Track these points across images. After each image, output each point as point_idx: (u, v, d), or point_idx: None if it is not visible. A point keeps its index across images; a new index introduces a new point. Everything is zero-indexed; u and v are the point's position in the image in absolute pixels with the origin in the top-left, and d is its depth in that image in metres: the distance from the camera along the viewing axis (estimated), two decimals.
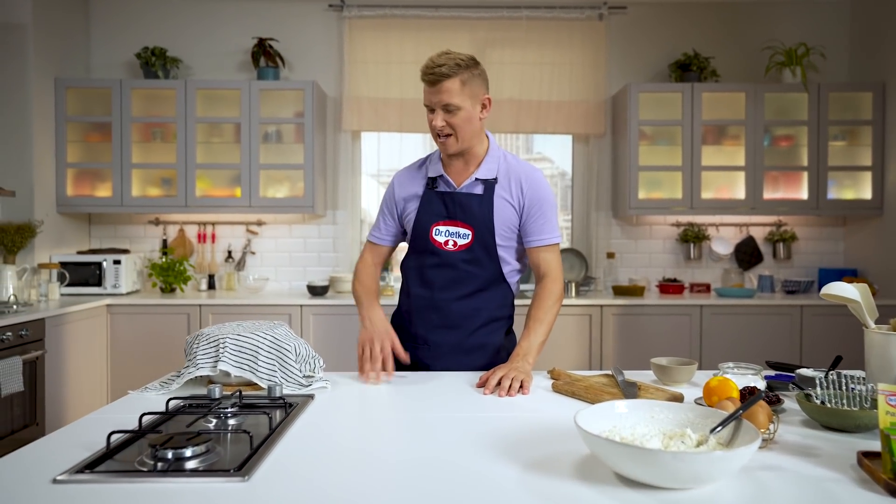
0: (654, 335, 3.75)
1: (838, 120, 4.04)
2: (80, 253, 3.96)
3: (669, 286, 4.03)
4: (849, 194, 4.12)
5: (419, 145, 4.40)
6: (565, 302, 3.73)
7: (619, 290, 3.96)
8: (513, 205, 1.74)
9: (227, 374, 1.47)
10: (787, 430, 1.21)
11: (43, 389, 3.15)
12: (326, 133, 4.28)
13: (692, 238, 4.25)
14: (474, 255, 1.74)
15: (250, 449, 1.05)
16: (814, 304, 3.75)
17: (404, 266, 1.84)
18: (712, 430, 1.01)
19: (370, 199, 4.50)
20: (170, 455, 0.99)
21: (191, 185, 3.94)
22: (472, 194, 1.74)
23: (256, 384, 1.48)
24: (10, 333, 2.89)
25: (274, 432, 1.15)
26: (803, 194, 4.04)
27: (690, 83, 4.00)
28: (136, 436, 1.11)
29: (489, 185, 1.74)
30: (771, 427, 1.12)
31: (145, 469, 0.98)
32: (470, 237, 1.73)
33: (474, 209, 1.72)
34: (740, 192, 4.05)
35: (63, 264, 3.80)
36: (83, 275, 3.83)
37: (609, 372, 1.66)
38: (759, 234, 4.34)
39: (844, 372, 1.37)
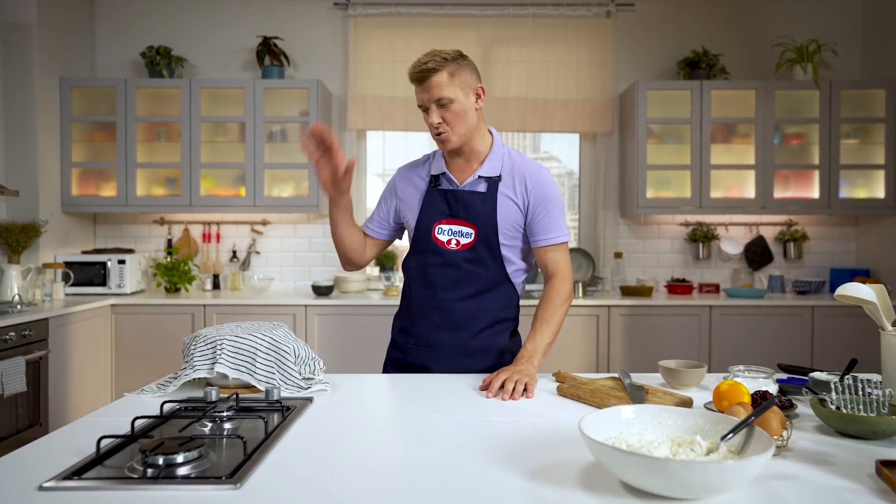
0: (662, 336, 3.70)
1: (850, 117, 3.97)
2: (84, 253, 3.96)
3: (678, 286, 3.98)
4: (861, 193, 4.06)
5: (425, 144, 4.36)
6: (572, 302, 3.68)
7: (626, 291, 3.91)
8: (517, 203, 1.70)
9: (225, 376, 1.44)
10: (801, 436, 1.17)
11: (46, 390, 3.14)
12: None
13: (701, 238, 4.19)
14: (477, 255, 1.70)
15: (244, 455, 1.02)
16: (825, 304, 3.69)
17: (406, 266, 1.80)
18: (723, 438, 0.97)
19: (375, 199, 4.45)
20: (160, 461, 0.96)
21: (195, 185, 3.93)
22: (475, 192, 1.70)
23: (255, 387, 1.45)
24: (12, 333, 2.88)
25: (269, 437, 1.12)
26: (814, 193, 3.97)
27: (699, 81, 3.94)
28: (127, 441, 1.08)
29: (492, 182, 1.70)
30: (784, 434, 1.07)
31: (135, 476, 0.95)
32: (473, 236, 1.69)
33: (477, 207, 1.69)
34: (750, 191, 3.99)
35: (68, 264, 3.79)
36: (88, 274, 3.82)
37: (616, 375, 1.62)
38: (769, 233, 4.28)
39: (860, 376, 1.32)
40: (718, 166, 3.98)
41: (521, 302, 1.83)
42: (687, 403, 1.37)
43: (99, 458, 1.00)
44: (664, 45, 4.27)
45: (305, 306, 3.69)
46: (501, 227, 1.68)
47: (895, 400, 1.19)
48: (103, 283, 3.82)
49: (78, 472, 0.95)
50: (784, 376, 1.58)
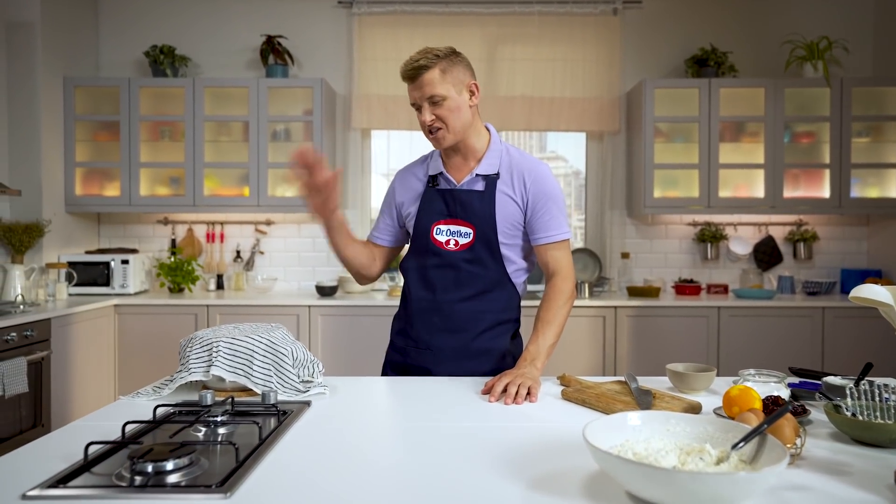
0: (669, 337, 3.65)
1: (862, 116, 3.90)
2: (88, 253, 3.94)
3: (686, 287, 3.93)
4: (873, 192, 3.99)
5: (429, 144, 4.32)
6: (578, 303, 3.65)
7: (633, 291, 3.86)
8: (516, 201, 1.66)
9: (222, 379, 1.41)
10: (815, 444, 1.12)
11: (49, 391, 3.12)
12: (336, 131, 4.23)
13: (709, 238, 4.14)
14: (476, 255, 1.66)
15: (236, 462, 0.98)
16: (836, 305, 3.63)
17: (404, 267, 1.76)
18: (734, 446, 0.92)
19: (380, 199, 4.41)
20: (149, 468, 0.93)
21: (199, 185, 3.91)
22: (473, 191, 1.67)
23: (252, 390, 1.42)
24: (14, 334, 2.86)
25: (263, 443, 1.08)
26: (825, 192, 3.91)
27: (707, 78, 3.89)
28: (117, 446, 1.05)
29: (490, 180, 1.67)
30: (798, 441, 1.03)
31: (123, 484, 0.92)
32: (471, 236, 1.66)
33: (475, 206, 1.65)
34: (759, 191, 3.93)
35: (71, 264, 3.78)
36: (91, 274, 3.81)
37: (622, 378, 1.58)
38: (778, 233, 4.22)
39: (877, 380, 1.27)
40: (727, 165, 3.92)
41: (523, 303, 1.79)
42: (696, 408, 1.33)
43: (87, 465, 0.97)
44: (672, 42, 4.22)
45: (309, 307, 3.66)
46: (500, 225, 1.65)
47: None
48: (107, 283, 3.81)
49: (64, 479, 0.92)
50: (796, 380, 1.53)
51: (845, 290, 4.06)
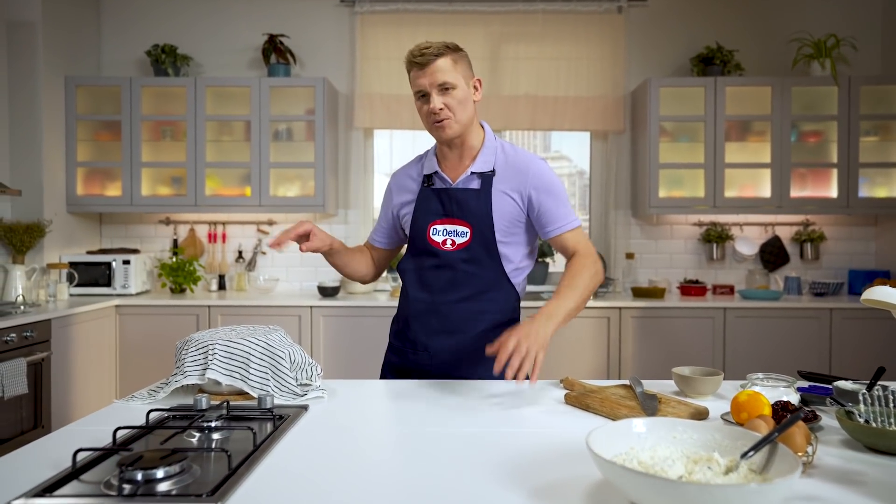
0: (674, 338, 3.61)
1: (870, 114, 3.86)
2: (89, 253, 3.93)
3: (691, 288, 3.89)
4: (881, 192, 3.94)
5: (432, 143, 4.30)
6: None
7: (638, 292, 3.82)
8: (514, 198, 1.63)
9: (218, 382, 1.38)
10: (826, 451, 1.09)
11: (49, 392, 3.10)
12: (338, 131, 4.20)
13: (715, 238, 4.10)
14: (473, 254, 1.63)
15: (228, 469, 0.95)
16: (843, 307, 3.59)
17: (402, 268, 1.74)
18: (743, 455, 0.89)
19: (381, 198, 4.41)
20: (139, 476, 0.90)
21: (200, 184, 3.89)
22: (469, 189, 1.64)
23: (249, 393, 1.39)
24: (13, 335, 2.84)
25: (258, 449, 1.05)
26: (832, 192, 3.87)
27: (713, 77, 3.85)
28: (106, 453, 1.02)
29: (486, 178, 1.64)
30: (809, 450, 1.00)
31: (112, 492, 0.89)
32: (468, 235, 1.63)
33: (471, 205, 1.62)
34: (766, 190, 3.89)
35: (72, 264, 3.76)
36: (93, 275, 3.79)
37: (626, 382, 1.54)
38: (785, 233, 4.17)
39: (891, 385, 1.23)
40: (733, 165, 3.88)
41: (523, 303, 1.76)
42: (702, 414, 1.29)
43: (75, 473, 0.95)
44: (677, 40, 4.17)
45: (311, 307, 3.64)
46: (498, 223, 1.62)
47: None
48: (108, 283, 3.79)
49: (50, 487, 0.90)
50: (805, 385, 1.50)
51: (853, 292, 4.02)
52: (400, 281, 3.98)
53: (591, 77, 4.13)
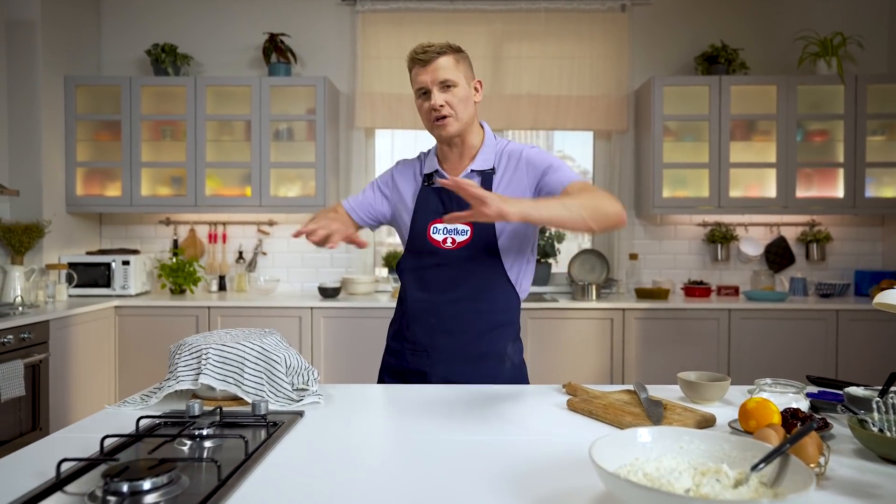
0: (679, 340, 3.57)
1: (877, 113, 3.81)
2: (88, 253, 3.90)
3: (695, 289, 3.84)
4: (888, 192, 3.89)
5: (434, 143, 4.27)
6: (585, 305, 3.57)
7: (642, 293, 3.78)
8: (515, 192, 1.59)
9: (211, 387, 1.35)
10: (839, 461, 1.05)
11: (46, 394, 3.07)
12: (339, 130, 4.17)
13: (719, 238, 4.05)
14: (474, 253, 1.60)
15: (218, 480, 0.92)
16: (850, 308, 3.54)
17: (401, 268, 1.71)
18: (754, 468, 0.85)
19: None
20: (125, 488, 0.87)
21: (200, 185, 3.86)
22: None
23: (243, 399, 1.36)
24: (10, 336, 2.82)
25: (249, 458, 1.02)
26: (839, 192, 3.82)
27: (718, 76, 3.80)
28: (92, 463, 0.98)
29: (486, 176, 1.63)
30: (821, 460, 0.96)
31: None
32: (469, 233, 1.60)
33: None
34: (771, 190, 3.84)
35: (72, 265, 3.74)
36: (92, 276, 3.77)
37: (630, 388, 1.50)
38: (790, 234, 4.13)
39: None
40: (738, 164, 3.83)
41: (524, 305, 1.73)
42: (710, 421, 1.26)
43: (59, 484, 0.91)
44: (681, 39, 4.13)
45: (312, 308, 3.60)
46: (498, 222, 1.58)
47: None
48: (107, 284, 3.77)
49: (32, 500, 0.86)
50: (814, 390, 1.46)
51: (859, 292, 3.97)
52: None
53: (595, 76, 4.09)
